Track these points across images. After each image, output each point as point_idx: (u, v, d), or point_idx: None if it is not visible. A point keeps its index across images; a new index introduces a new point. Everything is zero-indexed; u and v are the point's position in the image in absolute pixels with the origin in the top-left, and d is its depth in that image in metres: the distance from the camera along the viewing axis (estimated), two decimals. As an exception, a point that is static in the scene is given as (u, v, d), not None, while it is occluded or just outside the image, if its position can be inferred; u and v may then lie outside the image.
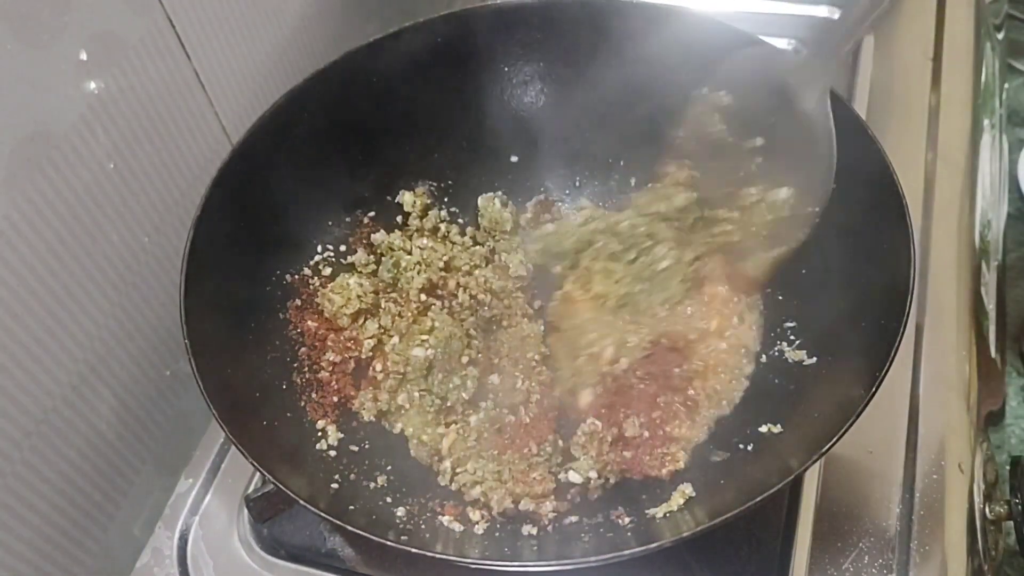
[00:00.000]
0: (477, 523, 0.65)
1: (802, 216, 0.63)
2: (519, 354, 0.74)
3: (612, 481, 0.68)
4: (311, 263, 0.77)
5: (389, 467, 0.69)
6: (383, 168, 0.81)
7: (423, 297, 0.77)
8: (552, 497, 0.66)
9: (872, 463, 0.70)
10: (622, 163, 0.84)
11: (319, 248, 0.78)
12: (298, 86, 0.73)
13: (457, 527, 0.65)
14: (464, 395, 0.72)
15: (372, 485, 0.67)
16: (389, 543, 0.55)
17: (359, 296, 0.76)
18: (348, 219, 0.80)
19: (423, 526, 0.64)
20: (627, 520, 0.64)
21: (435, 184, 0.84)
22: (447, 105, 0.82)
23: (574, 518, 0.66)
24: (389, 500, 0.66)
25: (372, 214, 0.81)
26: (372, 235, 0.80)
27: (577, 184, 0.85)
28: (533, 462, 0.68)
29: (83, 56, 0.63)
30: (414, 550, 0.56)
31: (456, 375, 0.73)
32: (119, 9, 0.66)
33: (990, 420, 0.75)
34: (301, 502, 0.56)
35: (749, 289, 0.68)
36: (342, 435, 0.70)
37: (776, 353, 0.71)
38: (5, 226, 0.59)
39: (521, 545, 0.63)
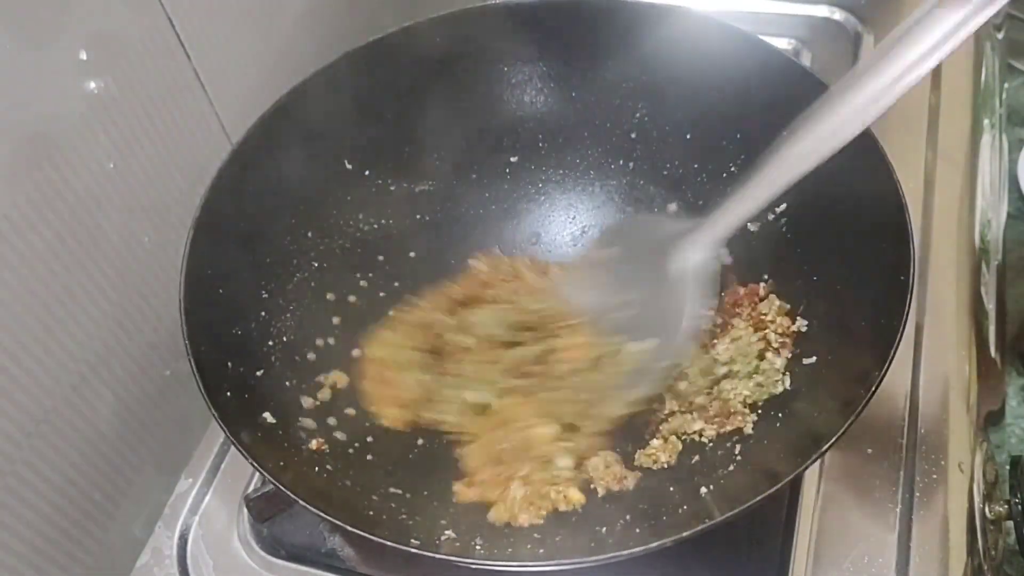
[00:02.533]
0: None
1: (662, 367, 0.67)
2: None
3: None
4: (312, 263, 0.77)
5: (390, 467, 0.69)
6: (383, 168, 0.81)
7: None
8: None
9: (872, 463, 0.70)
10: (622, 163, 0.84)
11: (320, 248, 0.78)
12: (298, 86, 0.74)
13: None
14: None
15: (373, 484, 0.67)
16: (390, 543, 0.55)
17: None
18: (348, 219, 0.80)
19: (424, 526, 0.64)
20: (627, 520, 0.64)
21: (435, 184, 0.84)
22: (447, 105, 0.82)
23: (574, 518, 0.66)
24: (391, 500, 0.66)
25: (372, 215, 0.81)
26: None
27: (578, 184, 0.85)
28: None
29: (83, 56, 0.63)
30: (415, 550, 0.56)
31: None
32: (119, 9, 0.66)
33: (990, 420, 0.75)
34: (301, 502, 0.56)
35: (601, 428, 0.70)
36: (343, 436, 0.70)
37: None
38: (5, 226, 0.59)
39: (521, 545, 0.63)
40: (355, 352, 0.76)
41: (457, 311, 0.78)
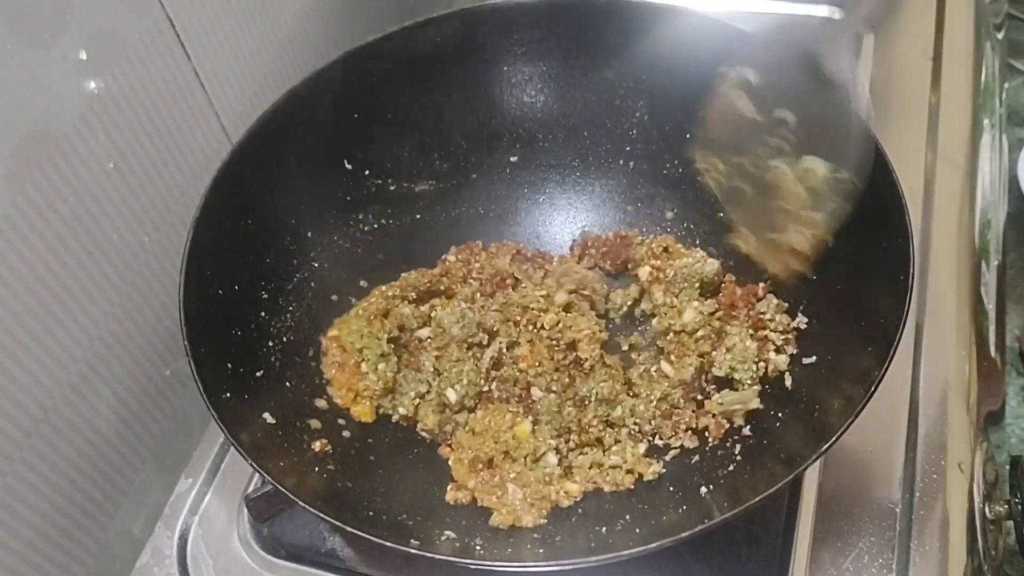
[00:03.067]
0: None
1: (843, 188, 0.61)
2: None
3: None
4: (312, 264, 0.77)
5: (391, 468, 0.69)
6: (383, 168, 0.81)
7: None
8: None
9: (872, 463, 0.70)
10: (622, 163, 0.84)
11: (320, 248, 0.78)
12: (298, 86, 0.73)
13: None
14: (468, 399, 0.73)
15: (373, 485, 0.67)
16: (389, 544, 0.55)
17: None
18: (348, 219, 0.80)
19: (424, 526, 0.64)
20: (627, 520, 0.64)
21: (435, 184, 0.84)
22: (447, 105, 0.82)
23: (574, 518, 0.66)
24: (391, 501, 0.66)
25: (371, 214, 0.81)
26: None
27: (578, 184, 0.85)
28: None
29: (83, 56, 0.63)
30: (415, 551, 0.56)
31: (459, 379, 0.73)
32: (119, 9, 0.66)
33: (990, 420, 0.75)
34: (300, 503, 0.56)
35: (796, 265, 0.66)
36: (344, 435, 0.70)
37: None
38: (5, 226, 0.59)
39: (521, 545, 0.63)
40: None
41: (424, 301, 0.78)
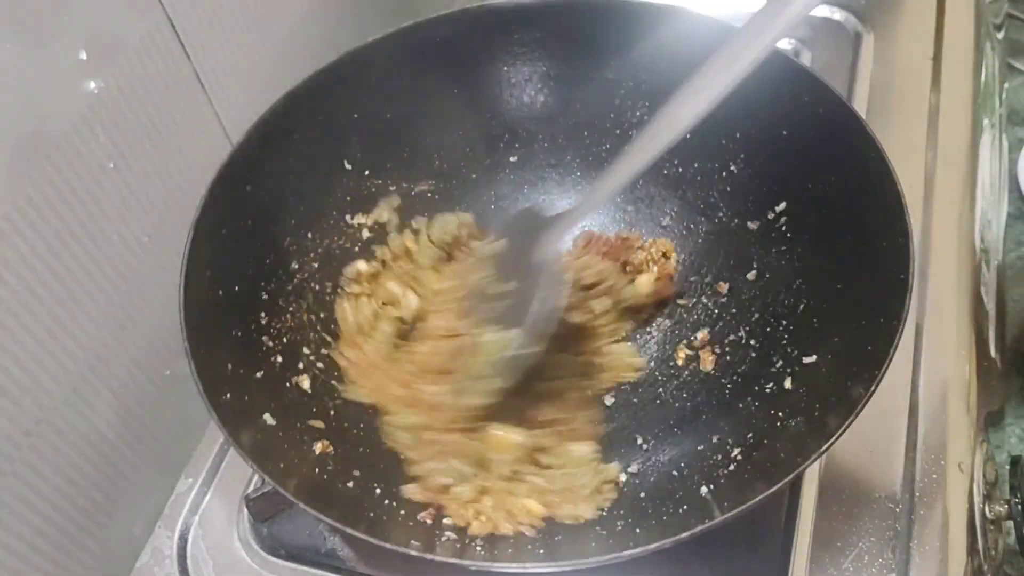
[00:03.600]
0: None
1: (519, 356, 0.66)
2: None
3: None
4: (312, 264, 0.77)
5: (392, 469, 0.70)
6: (383, 168, 0.81)
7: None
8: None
9: (872, 463, 0.70)
10: (622, 163, 0.84)
11: (320, 249, 0.78)
12: (298, 86, 0.73)
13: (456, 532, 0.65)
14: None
15: (373, 486, 0.67)
16: (389, 545, 0.55)
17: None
18: (348, 220, 0.80)
19: (425, 527, 0.64)
20: (627, 520, 0.64)
21: (435, 184, 0.84)
22: (446, 105, 0.82)
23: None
24: (391, 502, 0.66)
25: (371, 214, 0.81)
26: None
27: (578, 184, 0.85)
28: None
29: (83, 56, 0.63)
30: (415, 552, 0.56)
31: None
32: (119, 9, 0.66)
33: (990, 420, 0.75)
34: (301, 504, 0.56)
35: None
36: (345, 436, 0.70)
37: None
38: (5, 226, 0.59)
39: (521, 546, 0.63)
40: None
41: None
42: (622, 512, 0.66)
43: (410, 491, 0.67)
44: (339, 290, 0.78)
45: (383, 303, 0.78)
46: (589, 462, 0.69)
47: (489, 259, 0.73)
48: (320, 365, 0.74)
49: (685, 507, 0.64)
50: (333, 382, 0.73)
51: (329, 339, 0.76)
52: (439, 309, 0.75)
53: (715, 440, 0.68)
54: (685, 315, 0.79)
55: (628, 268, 0.81)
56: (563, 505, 0.66)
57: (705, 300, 0.78)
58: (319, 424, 0.70)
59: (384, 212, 0.82)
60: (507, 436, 0.69)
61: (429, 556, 0.56)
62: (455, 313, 0.73)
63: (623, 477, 0.69)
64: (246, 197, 0.71)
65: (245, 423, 0.63)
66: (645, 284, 0.78)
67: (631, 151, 0.62)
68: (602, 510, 0.66)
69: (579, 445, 0.70)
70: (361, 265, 0.79)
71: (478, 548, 0.62)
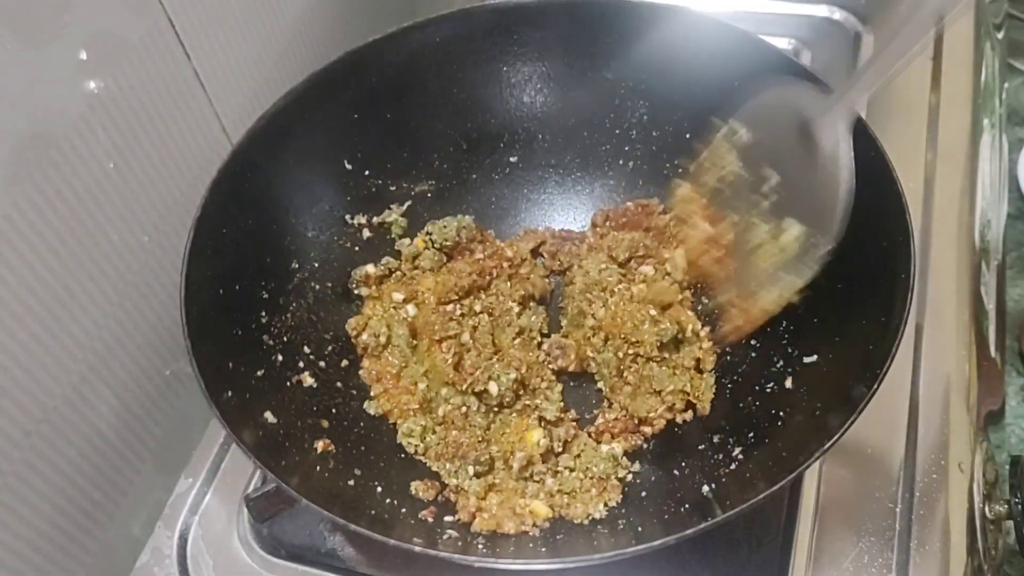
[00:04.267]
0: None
1: (813, 254, 0.62)
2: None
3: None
4: (312, 263, 0.77)
5: (393, 467, 0.69)
6: (383, 168, 0.81)
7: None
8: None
9: (872, 462, 0.70)
10: (621, 163, 0.84)
11: (320, 248, 0.78)
12: (298, 86, 0.73)
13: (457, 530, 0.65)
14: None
15: (375, 484, 0.67)
16: (392, 542, 0.55)
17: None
18: (348, 219, 0.80)
19: (427, 525, 0.64)
20: (630, 519, 0.64)
21: (434, 184, 0.84)
22: (446, 105, 0.82)
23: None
24: (392, 500, 0.66)
25: (371, 214, 0.81)
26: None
27: (578, 184, 0.85)
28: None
29: (83, 56, 0.63)
30: (417, 549, 0.56)
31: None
32: (119, 9, 0.66)
33: (990, 420, 0.75)
34: (304, 500, 0.56)
35: (757, 321, 0.67)
36: (344, 435, 0.70)
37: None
38: (5, 226, 0.59)
39: (523, 544, 0.63)
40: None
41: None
42: (624, 510, 0.66)
43: (418, 487, 0.67)
44: (352, 299, 0.79)
45: (393, 306, 0.78)
46: (615, 460, 0.69)
47: (732, 151, 0.68)
48: (321, 364, 0.74)
49: (687, 506, 0.64)
50: (336, 398, 0.74)
51: (329, 337, 0.76)
52: (686, 216, 0.71)
53: (716, 439, 0.68)
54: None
55: (653, 233, 0.81)
56: (573, 505, 0.66)
57: (706, 300, 0.78)
58: (320, 422, 0.70)
59: (388, 213, 0.82)
60: (530, 432, 0.69)
61: (432, 552, 0.56)
62: (706, 218, 0.69)
63: (629, 476, 0.69)
64: (246, 196, 0.71)
65: (247, 421, 0.63)
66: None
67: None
68: (610, 507, 0.66)
69: (608, 445, 0.70)
70: (370, 268, 0.79)
71: (480, 545, 0.62)
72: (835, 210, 0.60)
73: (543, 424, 0.71)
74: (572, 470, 0.69)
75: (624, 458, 0.69)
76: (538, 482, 0.68)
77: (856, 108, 0.60)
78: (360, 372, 0.76)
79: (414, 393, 0.74)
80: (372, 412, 0.73)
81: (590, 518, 0.66)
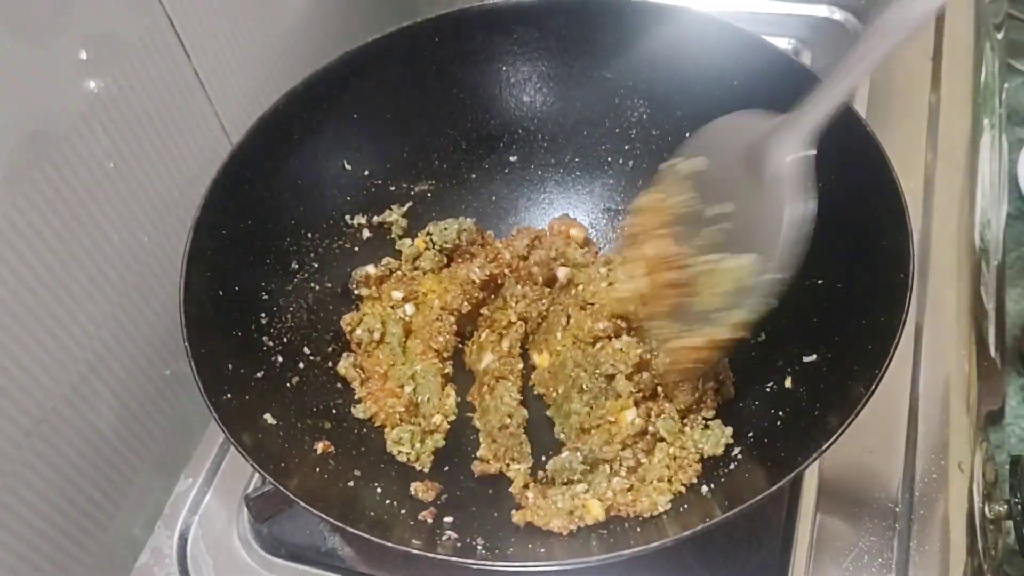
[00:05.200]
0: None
1: (765, 283, 0.59)
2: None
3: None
4: (311, 264, 0.77)
5: (392, 469, 0.69)
6: (382, 169, 0.81)
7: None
8: None
9: (872, 462, 0.70)
10: (621, 162, 0.84)
11: (319, 249, 0.78)
12: (298, 86, 0.73)
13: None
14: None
15: (375, 485, 0.67)
16: (390, 544, 0.55)
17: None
18: (348, 220, 0.80)
19: (426, 526, 0.64)
20: (629, 519, 0.64)
21: (434, 184, 0.84)
22: (446, 105, 0.82)
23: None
24: (392, 501, 0.66)
25: (371, 215, 0.81)
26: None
27: (577, 183, 0.85)
28: None
29: (83, 56, 0.63)
30: (415, 551, 0.56)
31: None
32: (119, 9, 0.66)
33: (990, 420, 0.75)
34: (302, 504, 0.56)
35: (708, 361, 0.65)
36: (344, 436, 0.70)
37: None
38: (4, 226, 0.59)
39: (522, 545, 0.63)
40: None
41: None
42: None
43: (418, 488, 0.67)
44: (352, 299, 0.79)
45: (391, 305, 0.78)
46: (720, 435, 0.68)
47: (688, 180, 0.66)
48: (322, 365, 0.74)
49: (686, 506, 0.64)
50: (338, 399, 0.73)
51: (328, 338, 0.76)
52: (647, 236, 0.68)
53: (715, 439, 0.68)
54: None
55: None
56: (640, 501, 0.64)
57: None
58: (321, 423, 0.70)
59: (388, 214, 0.82)
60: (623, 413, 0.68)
61: (430, 554, 0.56)
62: (667, 240, 0.66)
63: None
64: (246, 197, 0.71)
65: (246, 423, 0.63)
66: None
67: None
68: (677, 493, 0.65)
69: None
70: (370, 269, 0.79)
71: (479, 547, 0.62)
72: (778, 238, 0.58)
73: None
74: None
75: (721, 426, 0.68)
76: (612, 474, 0.67)
77: (810, 130, 0.58)
78: (340, 368, 0.74)
79: (400, 396, 0.73)
80: (360, 416, 0.73)
81: (659, 511, 0.64)
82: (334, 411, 0.72)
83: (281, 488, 0.57)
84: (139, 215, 0.72)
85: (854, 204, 0.66)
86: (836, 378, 0.63)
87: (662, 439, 0.68)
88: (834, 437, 0.55)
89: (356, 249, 0.80)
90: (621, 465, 0.67)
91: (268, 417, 0.66)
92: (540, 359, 0.76)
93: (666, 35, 0.76)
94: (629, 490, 0.65)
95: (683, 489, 0.65)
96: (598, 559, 0.55)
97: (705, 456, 0.67)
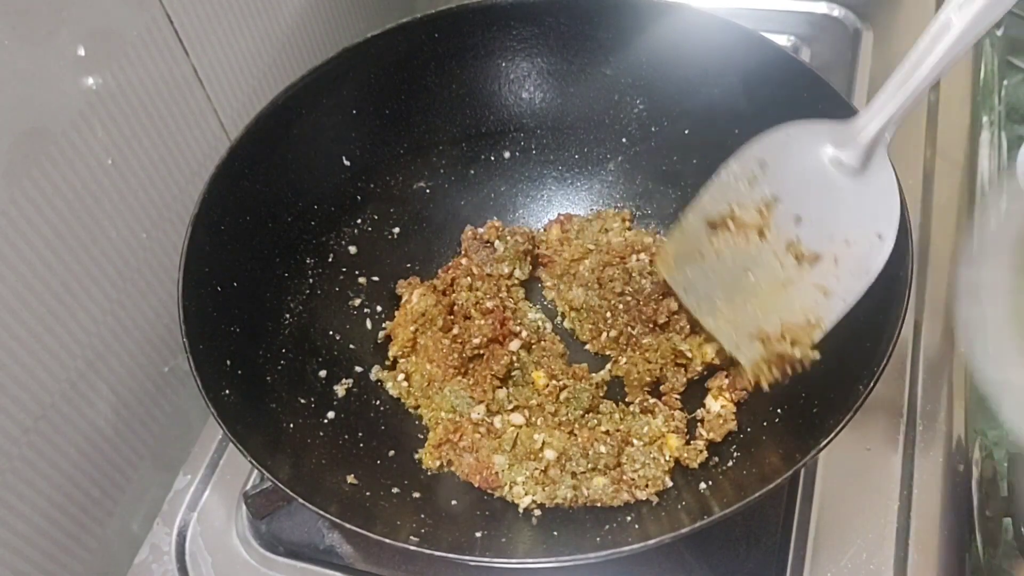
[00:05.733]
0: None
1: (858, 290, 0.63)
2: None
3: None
4: (309, 261, 0.77)
5: (392, 466, 0.69)
6: (382, 165, 0.81)
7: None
8: None
9: (870, 460, 0.70)
10: (620, 159, 0.84)
11: (319, 245, 0.78)
12: (296, 82, 0.73)
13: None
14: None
15: (373, 482, 0.67)
16: (388, 541, 0.55)
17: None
18: (346, 217, 0.80)
19: (424, 523, 0.64)
20: (628, 518, 0.64)
21: (433, 181, 0.83)
22: (444, 101, 0.82)
23: (573, 514, 0.66)
24: (390, 498, 0.66)
25: (370, 212, 0.81)
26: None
27: (576, 180, 0.85)
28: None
29: (81, 52, 0.63)
30: (414, 548, 0.56)
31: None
32: (117, 5, 0.66)
33: (989, 417, 0.75)
34: (300, 500, 0.56)
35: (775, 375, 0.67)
36: (346, 435, 0.70)
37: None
38: (3, 222, 0.59)
39: (521, 541, 0.63)
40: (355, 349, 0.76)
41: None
42: (622, 508, 0.66)
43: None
44: (351, 301, 0.79)
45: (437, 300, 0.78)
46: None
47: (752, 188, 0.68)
48: (320, 360, 0.74)
49: (684, 503, 0.64)
50: (351, 397, 0.74)
51: (327, 336, 0.76)
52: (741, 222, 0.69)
53: (714, 437, 0.69)
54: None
55: None
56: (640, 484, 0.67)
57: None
58: (321, 419, 0.70)
59: (386, 212, 0.82)
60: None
61: (428, 551, 0.56)
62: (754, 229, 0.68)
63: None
64: (244, 193, 0.71)
65: (244, 420, 0.63)
66: None
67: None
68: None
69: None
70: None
71: (477, 544, 0.62)
72: (895, 216, 0.62)
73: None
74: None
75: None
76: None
77: (884, 124, 0.62)
78: (389, 388, 0.76)
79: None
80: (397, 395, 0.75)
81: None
82: (335, 404, 0.72)
83: (279, 484, 0.57)
84: (137, 211, 0.72)
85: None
86: (835, 376, 0.63)
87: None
88: (832, 435, 0.55)
89: (355, 247, 0.80)
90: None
91: (267, 412, 0.66)
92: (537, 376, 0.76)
93: (665, 32, 0.75)
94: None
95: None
96: (597, 555, 0.55)
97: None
